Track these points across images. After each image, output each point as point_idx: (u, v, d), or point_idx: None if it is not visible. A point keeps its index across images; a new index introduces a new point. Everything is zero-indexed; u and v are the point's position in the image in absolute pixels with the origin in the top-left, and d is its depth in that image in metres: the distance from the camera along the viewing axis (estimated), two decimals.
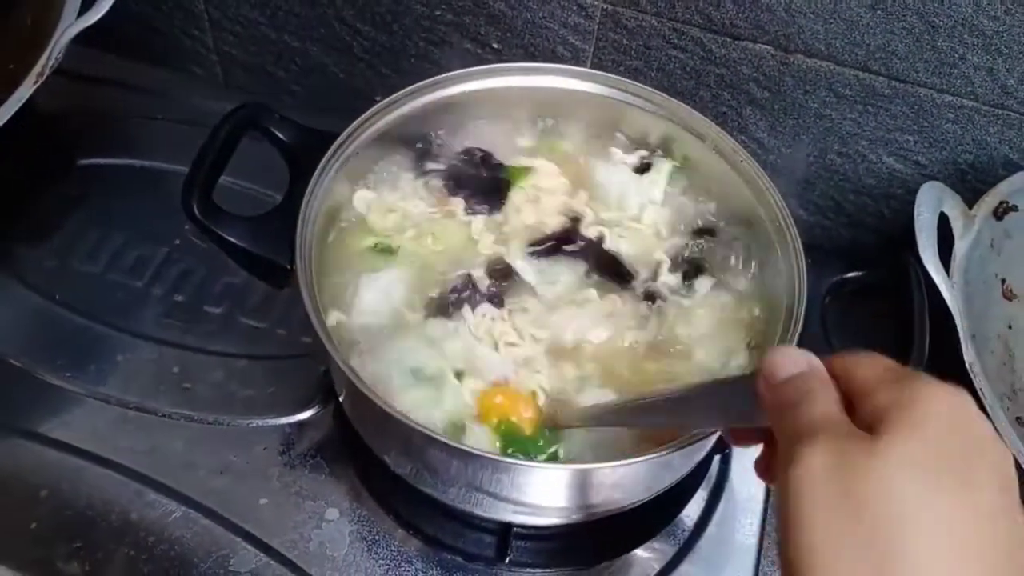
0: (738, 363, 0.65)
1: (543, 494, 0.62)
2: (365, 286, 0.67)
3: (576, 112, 0.76)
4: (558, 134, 0.77)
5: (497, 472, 0.57)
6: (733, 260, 0.71)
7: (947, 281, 0.69)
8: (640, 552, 0.72)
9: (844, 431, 0.34)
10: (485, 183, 0.74)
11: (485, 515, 0.69)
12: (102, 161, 0.94)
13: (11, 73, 0.78)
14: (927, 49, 0.73)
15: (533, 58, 0.86)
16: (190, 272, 0.85)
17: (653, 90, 0.72)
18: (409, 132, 0.73)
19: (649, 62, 0.83)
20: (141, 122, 0.98)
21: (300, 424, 0.76)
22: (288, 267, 0.62)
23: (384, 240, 0.70)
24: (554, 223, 0.72)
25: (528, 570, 0.71)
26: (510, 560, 0.70)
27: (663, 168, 0.74)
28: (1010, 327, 0.79)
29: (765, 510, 0.75)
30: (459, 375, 0.63)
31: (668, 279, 0.70)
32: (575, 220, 0.72)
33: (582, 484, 0.60)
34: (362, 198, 0.71)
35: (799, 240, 0.64)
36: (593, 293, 0.68)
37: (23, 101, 0.74)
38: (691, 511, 0.75)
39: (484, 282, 0.68)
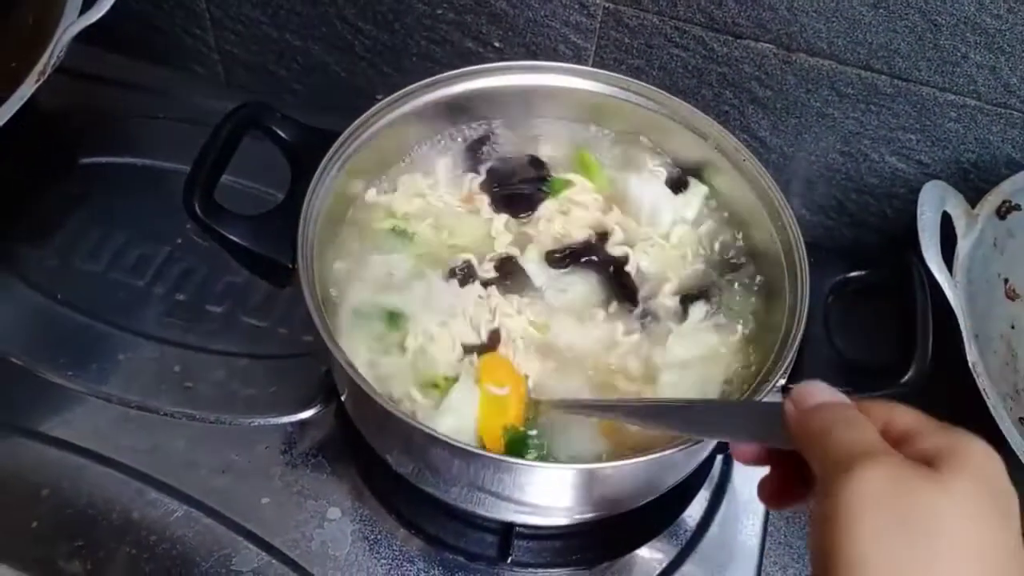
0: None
1: (545, 494, 0.62)
2: (372, 263, 0.68)
3: (613, 121, 0.76)
4: (596, 145, 0.77)
5: (499, 472, 0.57)
6: (739, 298, 0.69)
7: (950, 281, 0.68)
8: (642, 552, 0.72)
9: (898, 460, 0.37)
10: (524, 188, 0.73)
11: (487, 515, 0.69)
12: (104, 160, 0.94)
13: (13, 72, 0.78)
14: (929, 48, 0.72)
15: (535, 57, 0.86)
16: (192, 271, 0.85)
17: (655, 89, 0.72)
18: (466, 116, 0.74)
19: (651, 61, 0.83)
20: (143, 121, 0.98)
21: (302, 423, 0.76)
22: (290, 266, 0.62)
23: (401, 224, 0.70)
24: (580, 236, 0.71)
25: (530, 570, 0.71)
26: (512, 560, 0.70)
27: (700, 188, 0.73)
28: (1013, 327, 0.79)
29: (767, 511, 0.75)
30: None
31: (667, 301, 0.68)
32: (602, 236, 0.71)
33: (584, 484, 0.60)
34: (396, 175, 0.72)
35: (800, 237, 0.65)
36: (601, 313, 0.67)
37: (25, 100, 0.74)
38: (693, 511, 0.75)
39: (487, 268, 0.68)
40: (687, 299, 0.68)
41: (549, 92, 0.74)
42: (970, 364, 0.66)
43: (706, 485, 0.76)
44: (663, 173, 0.74)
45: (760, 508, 0.75)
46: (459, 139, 0.76)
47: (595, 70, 0.73)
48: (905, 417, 0.40)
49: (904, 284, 0.65)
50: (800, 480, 0.45)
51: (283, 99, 1.02)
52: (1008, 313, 0.78)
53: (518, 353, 0.64)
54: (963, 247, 0.73)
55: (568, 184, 0.73)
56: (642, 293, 0.69)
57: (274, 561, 0.69)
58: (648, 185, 0.73)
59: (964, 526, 0.35)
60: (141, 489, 0.72)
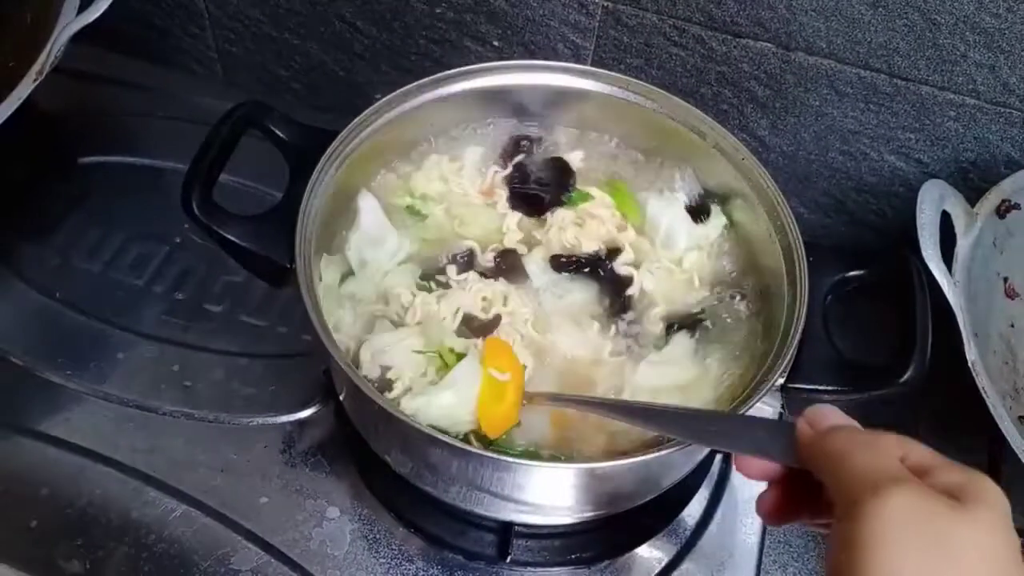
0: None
1: (544, 493, 0.62)
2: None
3: (640, 135, 0.76)
4: (622, 159, 0.77)
5: (498, 471, 0.57)
6: (732, 322, 0.68)
7: (949, 280, 0.68)
8: (642, 551, 0.72)
9: (925, 487, 0.39)
10: (545, 191, 0.73)
11: (486, 514, 0.69)
12: (102, 159, 0.94)
13: (10, 71, 0.78)
14: (928, 47, 0.72)
15: (533, 56, 0.86)
16: (190, 270, 0.85)
17: (654, 88, 0.72)
18: (515, 111, 0.75)
19: (650, 60, 0.83)
20: (141, 120, 0.98)
21: (301, 422, 0.76)
22: (288, 265, 0.62)
23: (417, 203, 0.71)
24: (589, 248, 0.70)
25: (529, 569, 0.71)
26: (511, 559, 0.70)
27: (720, 219, 0.72)
28: (1012, 326, 0.78)
29: None
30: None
31: (652, 326, 0.67)
32: (612, 252, 0.70)
33: (583, 483, 0.60)
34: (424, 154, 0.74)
35: (799, 236, 0.65)
36: (594, 326, 0.67)
37: (22, 99, 0.74)
38: (693, 510, 0.75)
39: (488, 258, 0.68)
40: (671, 328, 0.67)
41: (603, 100, 0.74)
42: (969, 363, 0.66)
43: (705, 484, 0.76)
44: (684, 198, 0.73)
45: None
46: (497, 131, 0.76)
47: (595, 69, 0.73)
48: (921, 451, 0.42)
49: (903, 283, 0.65)
50: (801, 498, 0.46)
51: (282, 98, 1.02)
52: (1007, 312, 0.78)
53: (515, 344, 0.64)
54: (962, 246, 0.73)
55: (589, 197, 0.73)
56: (634, 314, 0.68)
57: (273, 560, 0.69)
58: (668, 208, 0.72)
59: (988, 556, 0.37)
60: (140, 488, 0.72)
